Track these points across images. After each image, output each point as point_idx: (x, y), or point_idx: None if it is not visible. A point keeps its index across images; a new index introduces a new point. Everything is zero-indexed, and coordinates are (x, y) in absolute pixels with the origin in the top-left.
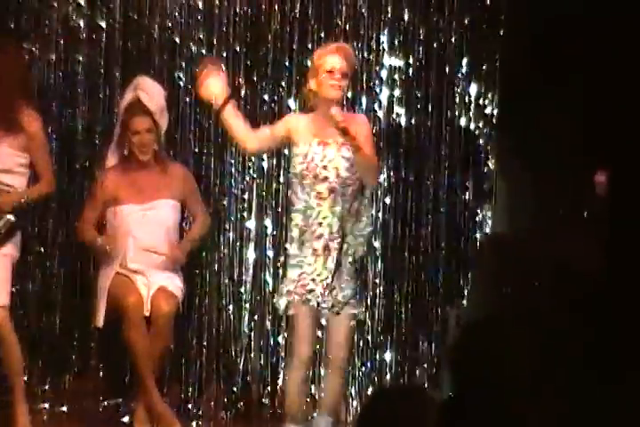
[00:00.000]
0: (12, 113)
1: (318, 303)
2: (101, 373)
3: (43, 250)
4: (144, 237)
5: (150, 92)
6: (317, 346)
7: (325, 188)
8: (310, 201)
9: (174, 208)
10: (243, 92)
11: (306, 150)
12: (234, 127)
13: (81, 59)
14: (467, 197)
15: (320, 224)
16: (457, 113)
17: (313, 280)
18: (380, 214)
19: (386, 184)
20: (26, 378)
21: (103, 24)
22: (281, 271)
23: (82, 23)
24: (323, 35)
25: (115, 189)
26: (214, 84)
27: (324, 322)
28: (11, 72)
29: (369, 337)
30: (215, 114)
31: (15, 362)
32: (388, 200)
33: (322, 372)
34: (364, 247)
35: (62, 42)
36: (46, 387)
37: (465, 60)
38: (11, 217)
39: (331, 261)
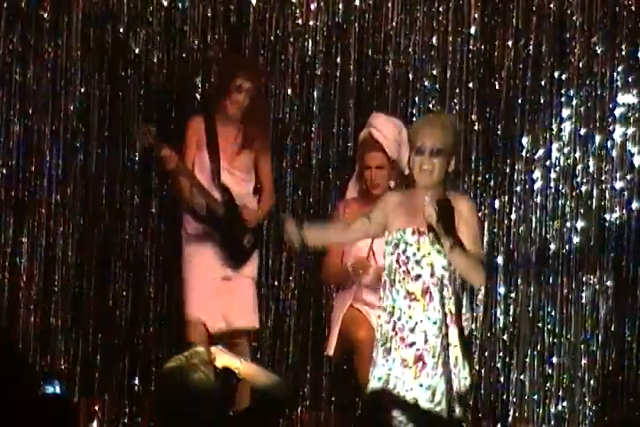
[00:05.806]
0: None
1: None
2: (332, 405)
3: (276, 283)
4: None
5: (383, 128)
6: None
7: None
8: (399, 301)
9: None
10: (476, 127)
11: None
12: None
13: (316, 94)
14: None
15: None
16: None
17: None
18: None
19: None
20: None
21: (338, 60)
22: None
23: (317, 59)
24: (557, 73)
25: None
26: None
27: None
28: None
29: None
30: None
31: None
32: None
33: None
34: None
35: (297, 77)
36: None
37: None
38: (251, 235)
39: (425, 376)
